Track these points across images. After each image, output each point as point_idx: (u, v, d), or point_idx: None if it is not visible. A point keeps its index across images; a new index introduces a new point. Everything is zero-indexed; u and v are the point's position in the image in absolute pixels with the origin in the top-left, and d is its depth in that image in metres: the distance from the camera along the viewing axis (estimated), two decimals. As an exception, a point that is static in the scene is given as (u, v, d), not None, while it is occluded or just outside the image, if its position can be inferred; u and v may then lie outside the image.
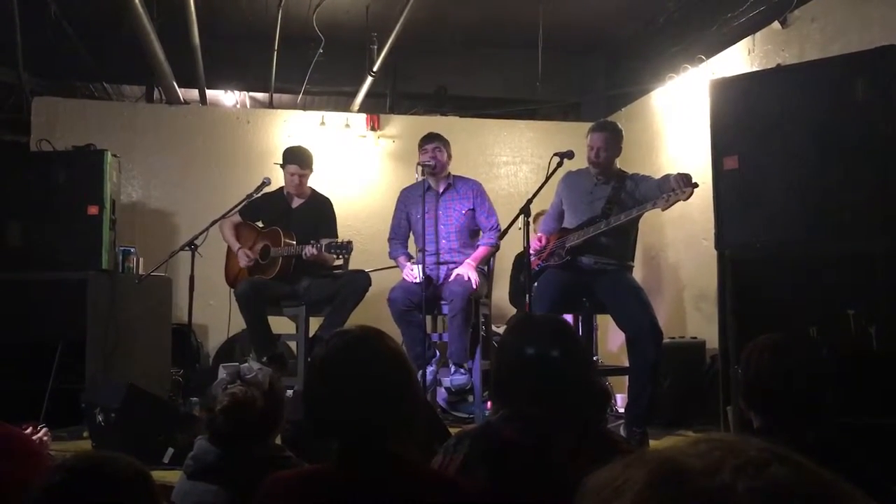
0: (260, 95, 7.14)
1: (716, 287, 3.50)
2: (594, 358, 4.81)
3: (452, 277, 4.17)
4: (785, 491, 0.54)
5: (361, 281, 4.36)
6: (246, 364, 2.02)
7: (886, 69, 3.06)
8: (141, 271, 4.70)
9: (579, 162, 4.00)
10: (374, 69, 5.94)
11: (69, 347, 4.15)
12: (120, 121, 6.11)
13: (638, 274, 4.27)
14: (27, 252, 4.39)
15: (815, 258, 3.20)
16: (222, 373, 2.00)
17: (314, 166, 4.70)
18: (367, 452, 1.49)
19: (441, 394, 4.59)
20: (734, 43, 4.95)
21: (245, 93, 7.19)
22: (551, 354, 1.73)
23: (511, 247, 4.43)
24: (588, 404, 1.79)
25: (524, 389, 1.72)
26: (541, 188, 3.65)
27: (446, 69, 6.87)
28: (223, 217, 4.55)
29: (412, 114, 6.83)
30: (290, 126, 6.36)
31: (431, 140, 4.44)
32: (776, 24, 4.53)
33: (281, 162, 4.68)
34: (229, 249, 4.73)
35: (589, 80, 7.14)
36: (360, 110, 6.50)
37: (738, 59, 4.88)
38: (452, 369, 4.17)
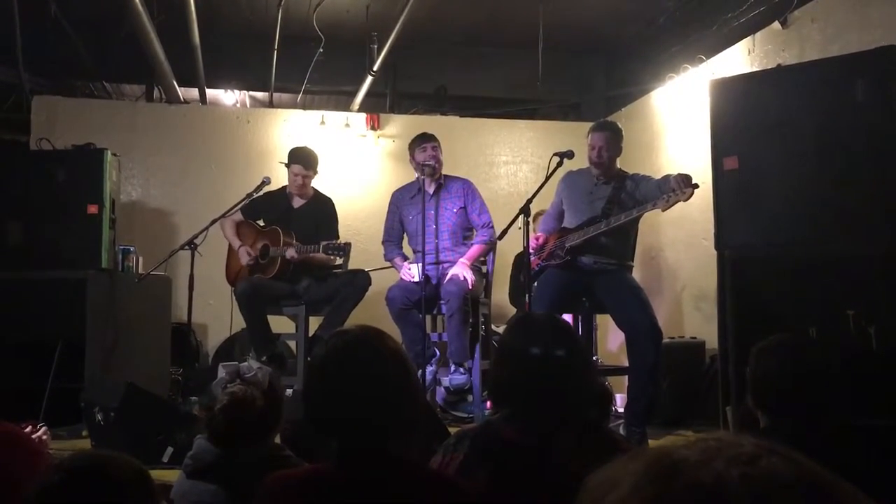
0: (260, 95, 7.14)
1: (715, 287, 3.50)
2: (594, 358, 4.81)
3: (448, 278, 4.18)
4: (778, 479, 0.55)
5: (361, 280, 4.36)
6: (245, 363, 2.02)
7: (887, 69, 3.06)
8: (140, 270, 4.70)
9: (579, 162, 4.00)
10: (375, 68, 5.94)
11: (68, 346, 4.14)
12: (120, 120, 6.11)
13: (638, 274, 4.27)
14: (27, 251, 4.38)
15: (815, 258, 3.20)
16: (222, 372, 2.00)
17: (317, 168, 4.70)
18: (366, 452, 1.49)
19: (440, 393, 4.59)
20: (734, 43, 4.95)
21: (245, 92, 7.19)
22: (551, 354, 1.73)
23: (511, 246, 4.43)
24: (588, 404, 1.79)
25: (524, 389, 1.72)
26: (541, 188, 3.65)
27: (446, 69, 6.87)
28: (223, 216, 4.55)
29: (412, 113, 6.83)
30: (290, 125, 6.36)
31: (429, 139, 4.43)
32: (776, 25, 4.53)
33: (286, 161, 4.68)
34: (230, 248, 4.73)
35: (589, 80, 7.14)
36: (360, 110, 6.49)
37: (739, 59, 4.88)
38: (452, 369, 4.17)
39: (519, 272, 4.65)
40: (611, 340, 5.81)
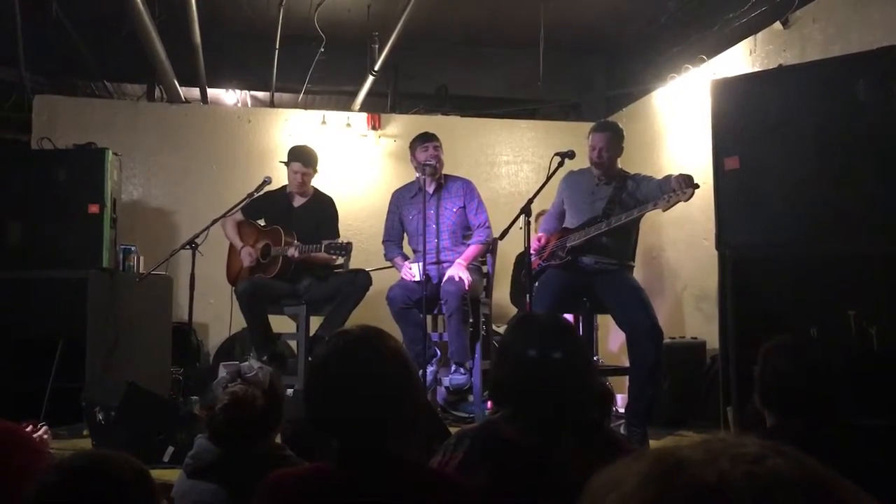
0: (261, 94, 7.14)
1: (716, 287, 3.50)
2: (595, 358, 4.81)
3: (445, 278, 4.18)
4: (782, 478, 0.55)
5: (362, 280, 4.36)
6: (246, 363, 2.02)
7: (888, 70, 3.06)
8: (141, 270, 4.70)
9: (580, 162, 4.00)
10: (376, 68, 5.94)
11: (69, 346, 4.15)
12: (121, 119, 6.11)
13: (638, 274, 4.27)
14: (28, 250, 4.39)
15: (816, 258, 3.20)
16: (223, 371, 2.00)
17: (317, 166, 4.70)
18: (367, 452, 1.49)
19: (441, 393, 4.59)
20: (736, 43, 4.94)
21: (246, 91, 7.19)
22: (552, 354, 1.73)
23: (512, 247, 4.43)
24: (589, 404, 1.79)
25: (524, 389, 1.72)
26: (542, 188, 3.65)
27: (447, 69, 6.87)
28: (224, 216, 4.55)
29: (413, 113, 6.83)
30: (291, 125, 6.36)
31: (430, 139, 4.42)
32: (777, 25, 4.52)
33: (285, 160, 4.68)
34: (231, 248, 4.73)
35: (590, 80, 7.14)
36: (361, 109, 6.50)
37: (740, 59, 4.88)
38: (452, 368, 4.16)
39: (520, 272, 4.65)
40: (612, 340, 5.81)
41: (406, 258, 4.52)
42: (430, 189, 4.42)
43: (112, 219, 4.48)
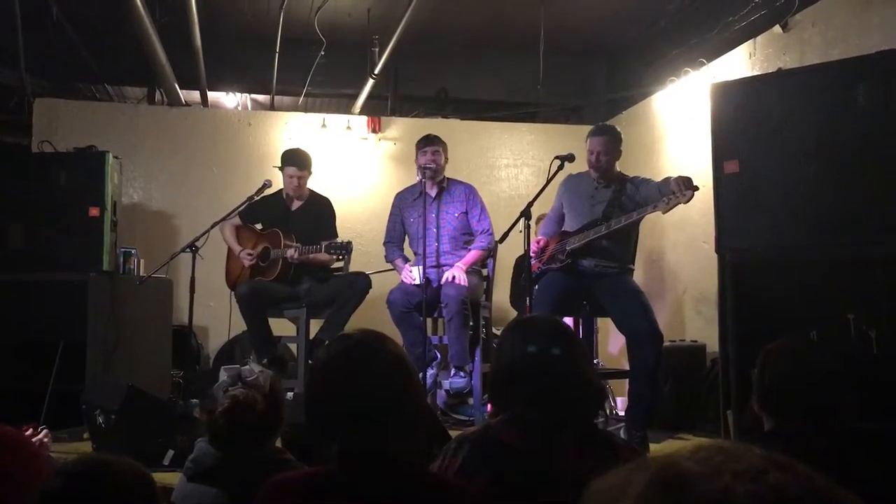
0: (261, 97, 7.15)
1: (716, 290, 3.50)
2: (595, 361, 4.81)
3: (443, 280, 4.19)
4: (784, 496, 0.55)
5: (361, 283, 4.36)
6: (247, 366, 2.02)
7: (887, 73, 3.06)
8: (142, 273, 4.70)
9: (580, 165, 4.00)
10: (376, 72, 5.94)
11: (70, 348, 4.15)
12: (121, 122, 6.12)
13: (638, 277, 4.27)
14: (28, 253, 4.39)
15: (816, 262, 3.20)
16: (223, 375, 2.00)
17: (313, 168, 4.70)
18: (367, 455, 1.49)
19: (440, 396, 4.59)
20: (735, 47, 4.95)
21: (246, 95, 7.20)
22: (549, 352, 1.73)
23: (512, 250, 4.43)
24: (589, 404, 1.79)
25: (523, 389, 1.72)
26: (542, 191, 3.66)
27: (447, 72, 6.88)
28: (223, 219, 4.56)
29: (413, 116, 6.83)
30: (291, 128, 6.37)
31: (431, 143, 4.44)
32: (777, 28, 4.53)
33: (279, 164, 4.69)
34: (230, 251, 4.73)
35: (590, 84, 7.14)
36: (361, 113, 6.50)
37: (739, 62, 4.89)
38: (452, 372, 4.17)
39: (520, 275, 4.66)
40: (611, 344, 5.81)
41: (407, 260, 4.53)
42: (433, 192, 4.43)
43: (112, 222, 4.48)
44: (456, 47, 6.79)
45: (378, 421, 1.49)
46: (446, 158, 4.47)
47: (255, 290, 4.36)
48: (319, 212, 4.67)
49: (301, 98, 6.78)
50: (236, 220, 4.69)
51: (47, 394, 3.99)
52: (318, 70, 6.18)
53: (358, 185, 6.31)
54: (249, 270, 4.59)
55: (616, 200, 3.93)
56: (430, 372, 4.19)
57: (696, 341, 4.79)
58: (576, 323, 4.28)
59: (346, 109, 6.63)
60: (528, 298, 3.53)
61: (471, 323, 4.20)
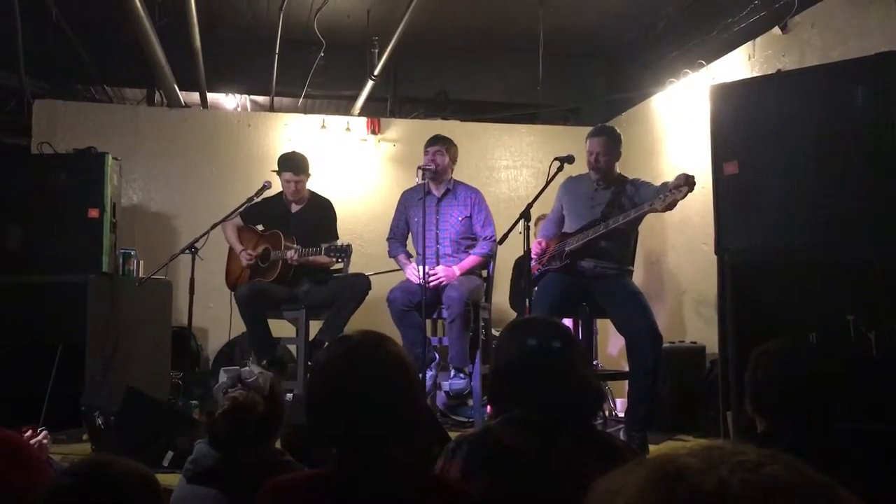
0: (261, 99, 7.15)
1: (716, 292, 3.50)
2: (594, 363, 4.81)
3: (442, 282, 4.20)
4: (779, 486, 0.56)
5: (361, 284, 4.37)
6: (247, 368, 2.01)
7: (886, 75, 3.07)
8: (141, 274, 4.71)
9: (579, 166, 4.00)
10: (375, 73, 5.94)
11: (69, 350, 4.14)
12: (121, 124, 6.12)
13: (638, 278, 4.27)
14: (28, 255, 4.39)
15: (815, 263, 3.20)
16: (223, 376, 2.00)
17: (312, 170, 4.70)
18: (367, 457, 1.49)
19: (440, 397, 4.59)
20: (734, 48, 4.95)
21: (246, 96, 7.20)
22: (547, 354, 1.73)
23: (511, 251, 4.43)
24: (589, 404, 1.79)
25: (521, 390, 1.72)
26: (541, 192, 3.66)
27: (447, 73, 6.88)
28: (224, 220, 4.56)
29: (413, 118, 6.84)
30: (291, 129, 6.37)
31: (434, 143, 4.45)
32: (776, 30, 4.53)
33: (276, 169, 4.69)
34: (231, 252, 4.73)
35: (589, 85, 7.15)
36: (360, 114, 6.50)
37: (739, 64, 4.89)
38: (452, 373, 4.17)
39: (519, 276, 4.66)
40: (611, 345, 5.81)
41: (409, 256, 4.53)
42: (438, 193, 4.44)
43: (112, 223, 4.48)
44: (455, 49, 6.80)
45: (378, 423, 1.49)
46: (452, 160, 4.47)
47: (255, 291, 4.36)
48: (320, 214, 4.67)
49: (301, 99, 6.78)
50: (238, 221, 4.70)
51: (46, 395, 3.98)
52: (318, 71, 6.18)
53: (357, 186, 6.31)
54: (249, 271, 4.59)
55: (615, 202, 3.93)
56: (429, 374, 4.19)
57: (695, 342, 4.79)
58: (575, 324, 4.28)
59: (346, 111, 6.63)
60: (527, 300, 3.52)
61: (471, 324, 4.20)
